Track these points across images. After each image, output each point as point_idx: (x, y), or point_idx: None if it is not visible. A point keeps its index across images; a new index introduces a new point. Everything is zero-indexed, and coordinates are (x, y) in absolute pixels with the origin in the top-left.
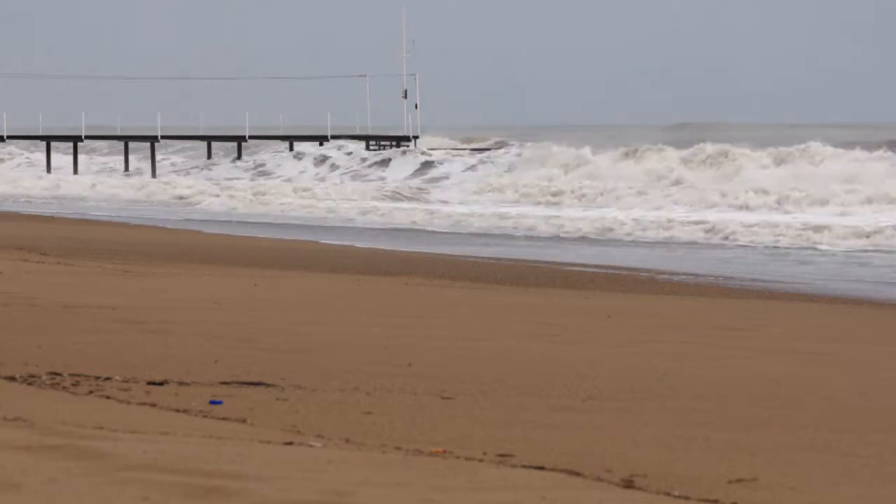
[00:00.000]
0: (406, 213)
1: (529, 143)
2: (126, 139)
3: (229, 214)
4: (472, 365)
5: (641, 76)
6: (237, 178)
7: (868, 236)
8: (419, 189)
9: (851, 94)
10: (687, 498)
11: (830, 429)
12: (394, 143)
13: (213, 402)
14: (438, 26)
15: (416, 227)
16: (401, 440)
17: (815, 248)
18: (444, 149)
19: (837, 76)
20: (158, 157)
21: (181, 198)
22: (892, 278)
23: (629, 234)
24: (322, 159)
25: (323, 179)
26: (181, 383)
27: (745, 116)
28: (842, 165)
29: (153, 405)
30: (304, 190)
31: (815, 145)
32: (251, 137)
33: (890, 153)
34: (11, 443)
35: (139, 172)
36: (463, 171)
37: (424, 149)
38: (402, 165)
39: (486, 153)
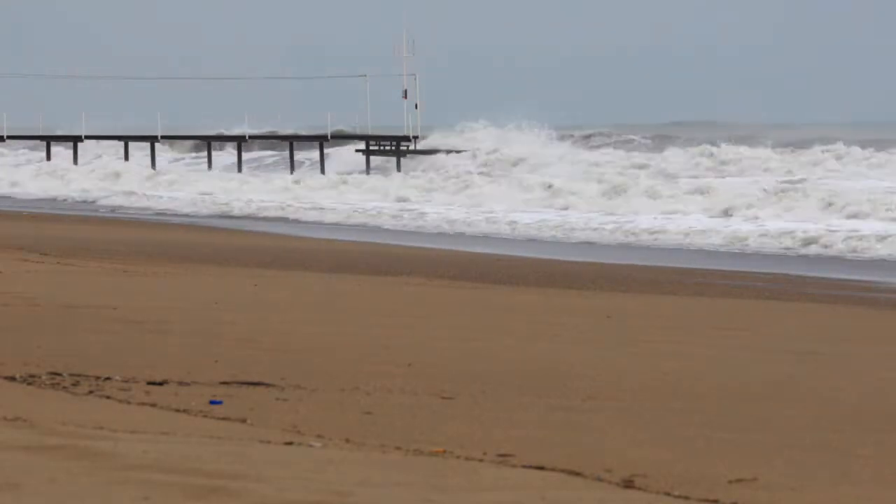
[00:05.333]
0: None
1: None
2: (126, 139)
3: None
4: (472, 365)
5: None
6: None
7: None
8: None
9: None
10: (687, 498)
11: (830, 429)
12: (394, 143)
13: (213, 402)
14: (438, 26)
15: None
16: (401, 440)
17: None
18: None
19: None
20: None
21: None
22: None
23: None
24: None
25: None
26: (181, 383)
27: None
28: None
29: (153, 405)
30: None
31: None
32: (251, 137)
33: None
34: (11, 443)
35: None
36: None
37: None
38: None
39: None
